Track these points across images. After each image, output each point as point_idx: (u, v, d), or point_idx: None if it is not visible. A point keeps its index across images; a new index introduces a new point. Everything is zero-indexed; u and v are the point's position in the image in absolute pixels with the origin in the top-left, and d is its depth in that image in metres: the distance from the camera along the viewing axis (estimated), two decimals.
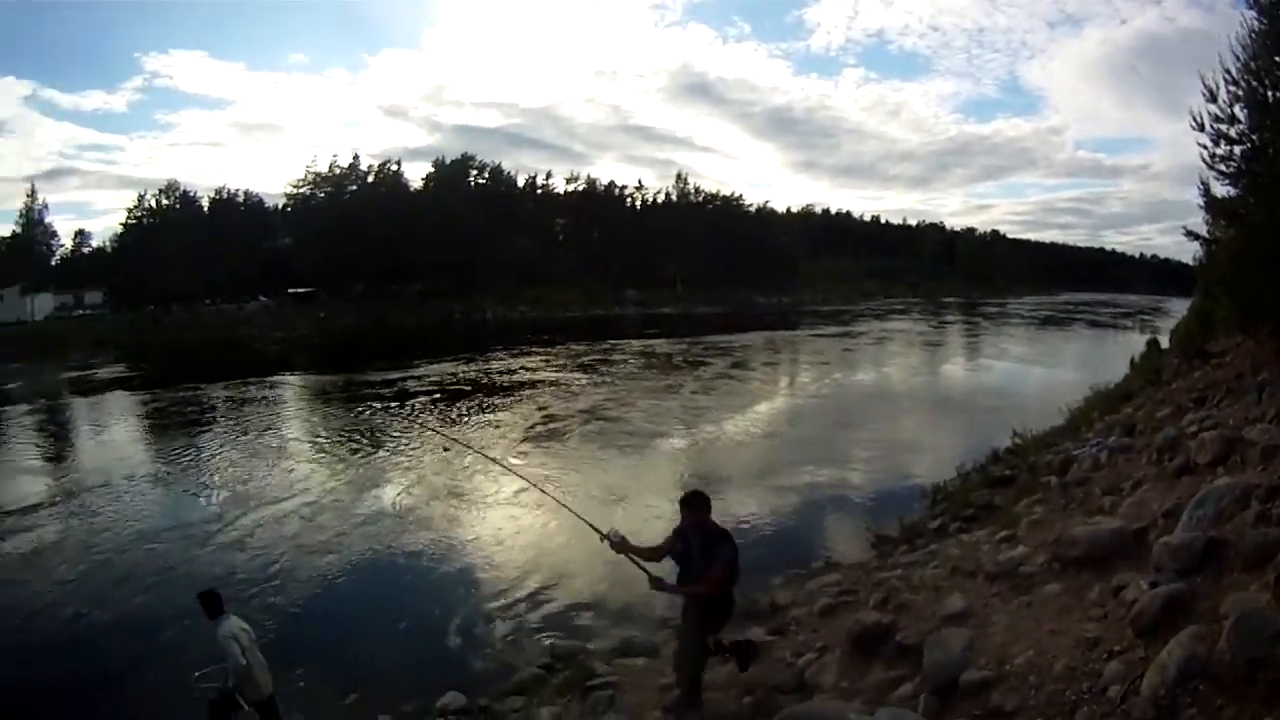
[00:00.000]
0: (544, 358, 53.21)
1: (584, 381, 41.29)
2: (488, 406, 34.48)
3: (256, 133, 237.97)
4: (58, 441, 36.65)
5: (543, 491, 11.63)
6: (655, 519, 17.04)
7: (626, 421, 29.98)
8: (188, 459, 27.76)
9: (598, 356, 52.94)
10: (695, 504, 8.19)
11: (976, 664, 6.60)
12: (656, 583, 8.23)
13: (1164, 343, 24.92)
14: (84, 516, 21.69)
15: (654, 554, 8.48)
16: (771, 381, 41.21)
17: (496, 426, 30.02)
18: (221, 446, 29.47)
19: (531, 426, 29.48)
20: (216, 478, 24.79)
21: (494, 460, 15.91)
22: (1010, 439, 19.01)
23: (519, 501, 19.93)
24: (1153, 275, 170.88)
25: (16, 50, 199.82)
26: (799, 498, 19.36)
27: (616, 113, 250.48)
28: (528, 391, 38.03)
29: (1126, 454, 12.33)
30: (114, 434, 35.71)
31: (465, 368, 48.32)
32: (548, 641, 12.46)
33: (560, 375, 43.89)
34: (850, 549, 14.87)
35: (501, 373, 45.71)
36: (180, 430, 34.12)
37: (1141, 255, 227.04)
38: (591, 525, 8.91)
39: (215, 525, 19.93)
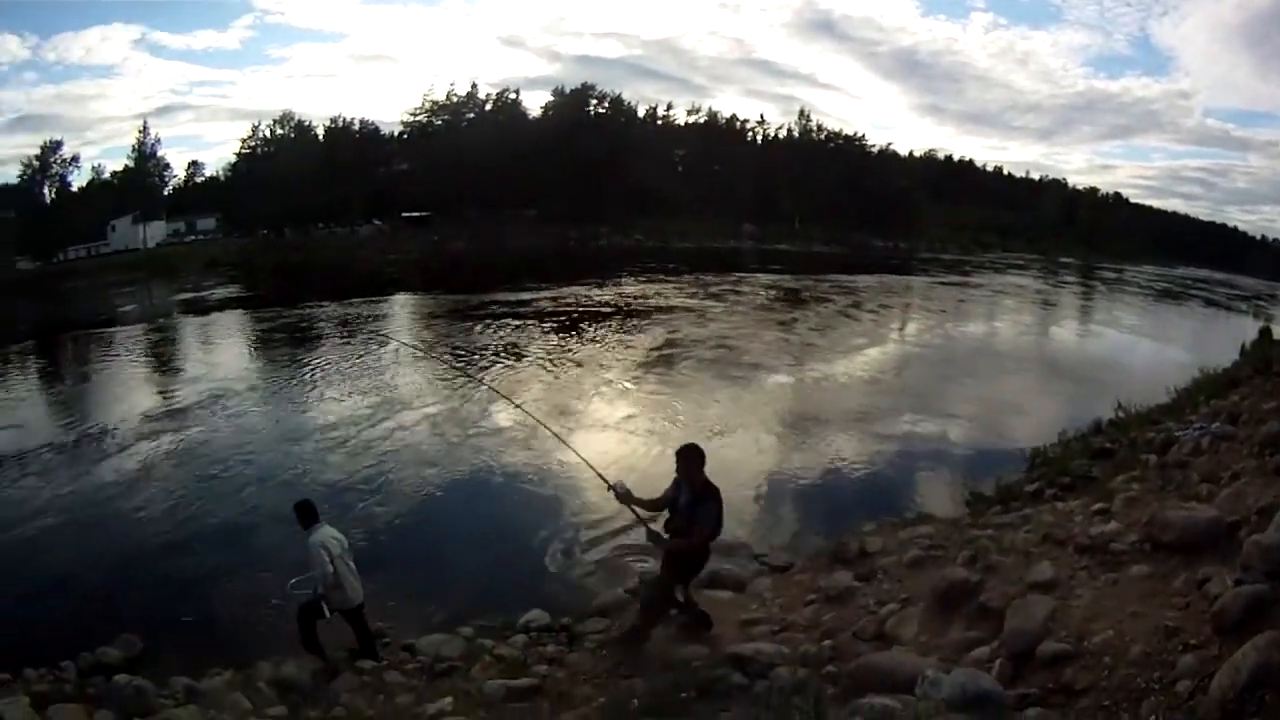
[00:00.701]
0: (660, 286, 53.18)
1: (698, 311, 41.34)
2: (602, 329, 34.92)
3: (371, 64, 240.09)
4: (170, 357, 38.31)
5: (550, 429, 12.20)
6: (756, 454, 17.88)
7: (737, 353, 30.08)
8: (301, 374, 28.71)
9: (712, 287, 52.64)
10: (686, 456, 8.41)
11: (1056, 636, 6.50)
12: (651, 535, 8.62)
13: (1277, 332, 23.67)
14: (198, 428, 22.61)
15: (655, 505, 8.75)
16: (883, 326, 40.52)
17: (610, 349, 30.56)
18: (334, 362, 30.30)
19: (648, 351, 30.02)
20: (327, 392, 25.63)
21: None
22: (1113, 411, 18.41)
23: (627, 427, 20.50)
24: (1275, 260, 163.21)
25: None
26: (897, 445, 19.28)
27: (739, 46, 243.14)
28: (642, 318, 38.37)
29: (1228, 442, 11.82)
30: (227, 349, 36.97)
31: (580, 291, 48.46)
32: (637, 567, 12.53)
33: (675, 303, 44.05)
34: (943, 503, 14.70)
35: (616, 298, 46.01)
36: (294, 346, 35.33)
37: (1264, 238, 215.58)
38: (600, 475, 9.17)
39: (323, 437, 20.72)
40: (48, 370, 40.68)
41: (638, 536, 13.44)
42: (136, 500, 17.50)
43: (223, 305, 58.32)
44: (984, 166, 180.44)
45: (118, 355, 41.16)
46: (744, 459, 17.83)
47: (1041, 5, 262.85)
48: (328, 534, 9.77)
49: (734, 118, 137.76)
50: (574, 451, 10.58)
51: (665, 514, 8.84)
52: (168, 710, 9.39)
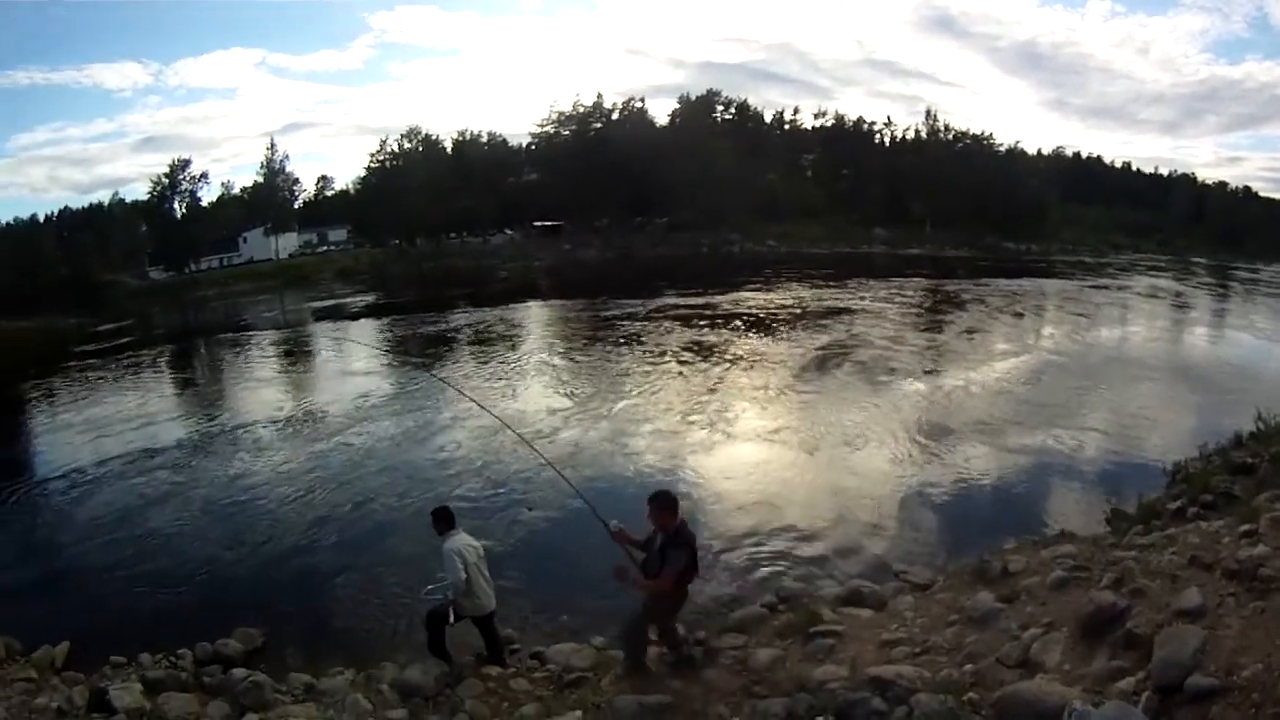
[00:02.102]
0: (795, 292, 53.24)
1: (835, 317, 41.36)
2: (741, 335, 35.34)
3: (493, 77, 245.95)
4: (308, 362, 40.71)
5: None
6: (896, 464, 18.08)
7: (877, 359, 30.32)
8: (440, 381, 29.03)
9: (848, 293, 52.51)
10: (658, 504, 8.50)
11: (1205, 669, 6.34)
12: (620, 572, 8.64)
13: None
14: (338, 431, 23.84)
15: (645, 544, 8.78)
16: (1021, 331, 39.89)
17: (749, 355, 30.93)
18: (474, 370, 31.34)
19: (789, 356, 30.49)
20: (468, 398, 25.74)
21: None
22: (1254, 423, 17.54)
23: (772, 438, 20.53)
24: None
25: (241, 24, 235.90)
26: (1035, 458, 19.04)
27: (860, 46, 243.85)
28: (780, 324, 38.70)
29: None
30: (364, 355, 38.02)
31: (717, 299, 48.58)
32: (776, 579, 12.62)
33: (812, 309, 44.23)
34: (1083, 520, 14.42)
35: (752, 305, 46.05)
36: (432, 352, 36.86)
37: None
38: (595, 513, 9.14)
39: (463, 444, 21.42)
40: (186, 372, 43.70)
41: (775, 548, 14.01)
42: (273, 498, 18.48)
43: (357, 312, 60.97)
44: (1111, 163, 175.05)
45: (256, 358, 43.54)
46: (884, 469, 18.01)
47: None
48: (464, 541, 9.89)
49: (860, 120, 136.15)
50: (579, 495, 10.52)
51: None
52: (284, 706, 9.73)
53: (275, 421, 26.61)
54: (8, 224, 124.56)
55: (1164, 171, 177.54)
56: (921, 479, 17.43)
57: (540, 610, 12.19)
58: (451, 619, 9.84)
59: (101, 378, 41.98)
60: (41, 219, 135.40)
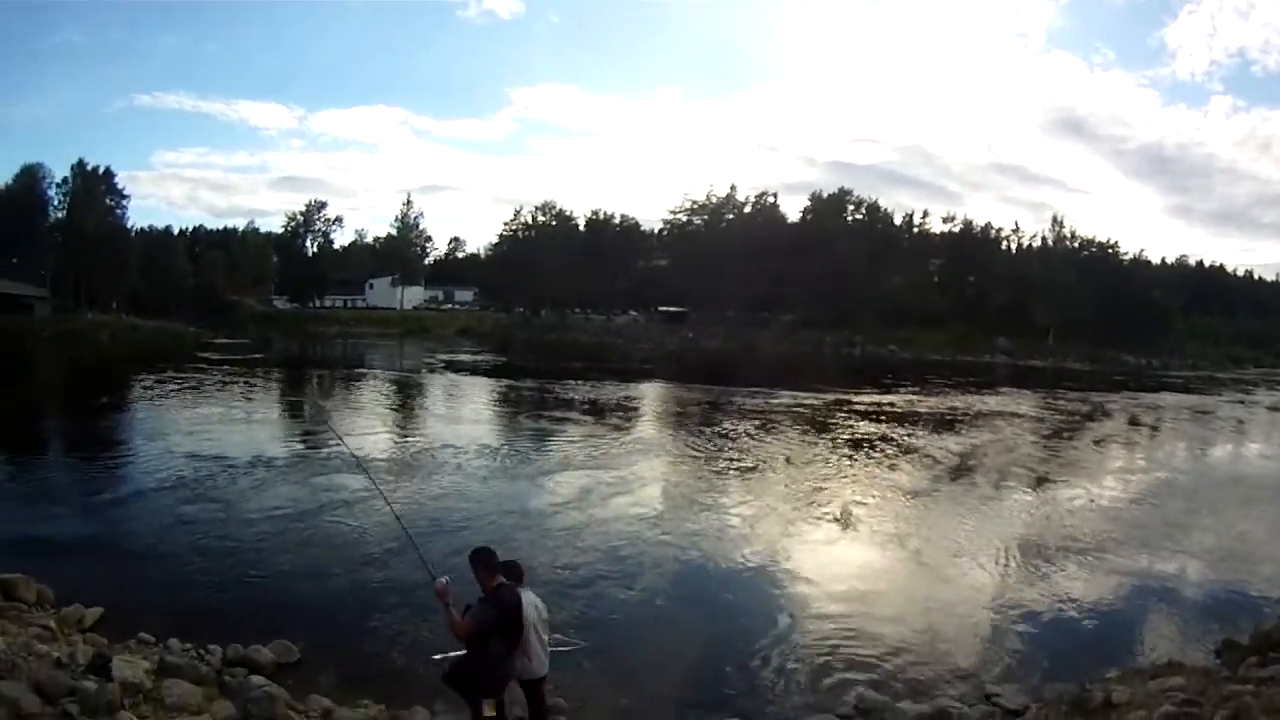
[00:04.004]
0: (916, 399, 53.08)
1: (954, 427, 41.18)
2: (862, 438, 35.02)
3: (629, 160, 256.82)
4: (415, 406, 42.83)
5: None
6: (996, 579, 17.37)
7: (986, 471, 29.95)
8: (542, 442, 30.24)
9: (967, 403, 52.37)
10: (477, 562, 8.50)
11: None
12: (441, 592, 8.22)
13: None
14: (429, 475, 24.65)
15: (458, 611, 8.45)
16: (1136, 449, 38.89)
17: (862, 459, 30.57)
18: (578, 437, 31.93)
19: (902, 463, 29.95)
20: (564, 464, 26.96)
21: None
22: None
23: (874, 539, 20.24)
24: None
25: (388, 84, 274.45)
26: (1142, 581, 17.90)
27: (989, 150, 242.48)
28: (902, 431, 37.97)
29: None
30: (471, 408, 40.61)
31: (838, 399, 48.68)
32: (855, 688, 11.91)
33: (932, 417, 43.97)
34: (1191, 650, 13.50)
35: (876, 409, 45.69)
36: (539, 415, 37.87)
37: None
38: (424, 562, 9.17)
39: (545, 505, 21.81)
40: (296, 392, 47.37)
41: (860, 653, 13.16)
42: (347, 525, 18.96)
43: (474, 369, 63.45)
44: (1234, 271, 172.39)
45: (368, 393, 46.47)
46: (985, 582, 17.34)
47: (1275, 80, 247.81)
48: (528, 599, 9.27)
49: (987, 226, 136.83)
50: (411, 541, 10.56)
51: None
52: None
53: (376, 452, 27.67)
54: (142, 229, 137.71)
55: None
56: (1023, 595, 16.57)
57: (602, 687, 11.59)
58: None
59: (221, 382, 46.95)
60: (175, 231, 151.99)
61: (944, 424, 41.51)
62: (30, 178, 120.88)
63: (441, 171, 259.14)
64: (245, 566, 16.40)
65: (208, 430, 31.79)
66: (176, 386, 46.67)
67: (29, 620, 12.28)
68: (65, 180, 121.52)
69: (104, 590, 13.94)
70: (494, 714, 8.49)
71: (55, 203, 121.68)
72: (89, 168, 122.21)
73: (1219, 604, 16.48)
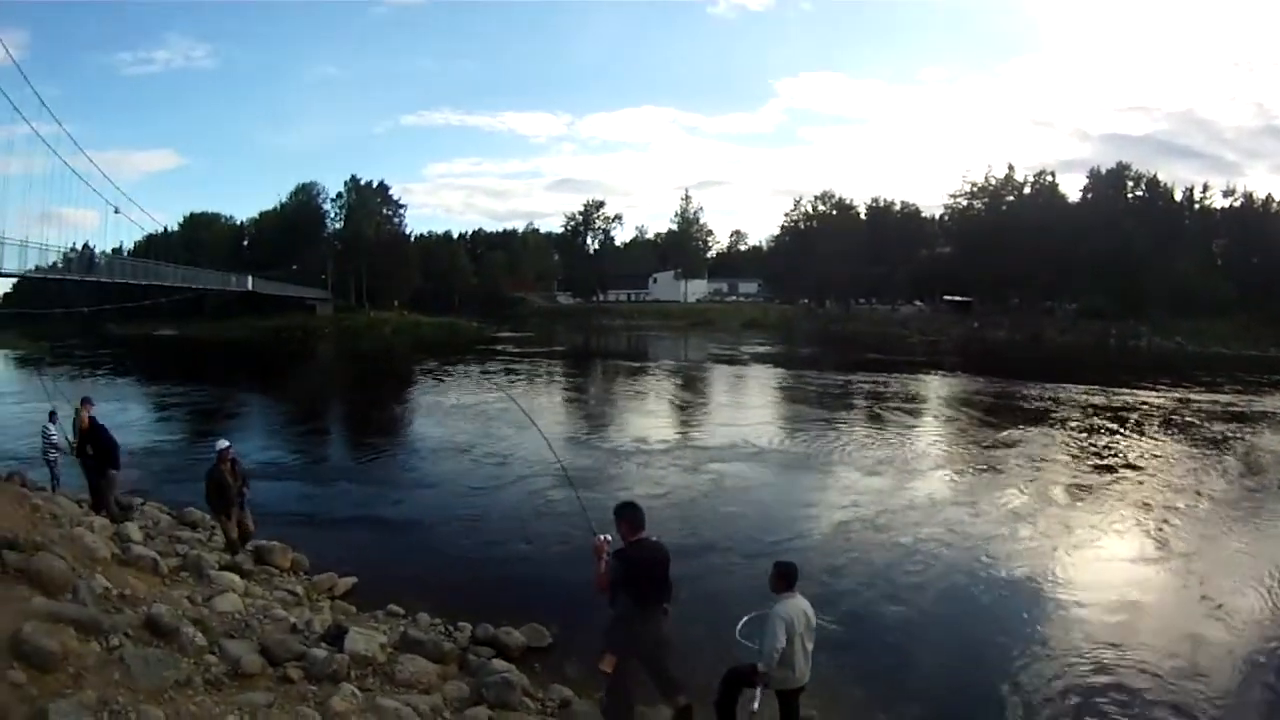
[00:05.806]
0: (1217, 401, 44.60)
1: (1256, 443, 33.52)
2: (1157, 445, 31.11)
3: (901, 145, 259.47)
4: (703, 398, 44.69)
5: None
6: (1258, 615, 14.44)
7: None
8: (833, 439, 29.69)
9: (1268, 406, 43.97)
10: (618, 515, 8.64)
11: None
12: (597, 549, 8.57)
13: None
14: (715, 466, 24.88)
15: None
16: None
17: (1169, 470, 26.45)
18: (872, 436, 31.12)
19: (1204, 483, 24.55)
20: (855, 463, 26.04)
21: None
22: None
23: (1162, 560, 17.39)
24: None
25: (650, 86, 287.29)
26: None
27: (1261, 112, 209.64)
28: (1204, 441, 32.09)
29: None
30: (759, 401, 41.76)
31: (1129, 398, 44.32)
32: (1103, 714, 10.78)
33: (1235, 426, 36.01)
34: None
35: (1175, 411, 40.30)
36: (832, 411, 38.08)
37: None
38: (590, 521, 9.25)
39: (833, 506, 20.89)
40: (578, 382, 50.87)
41: (1114, 680, 11.66)
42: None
43: (763, 360, 65.62)
44: None
45: (653, 386, 48.62)
46: (1250, 617, 14.24)
47: None
48: (797, 607, 8.70)
49: (1269, 199, 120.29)
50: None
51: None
52: (526, 715, 9.41)
53: (664, 444, 28.40)
54: (421, 235, 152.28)
55: None
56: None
57: (854, 697, 11.02)
58: (758, 693, 8.66)
59: (513, 370, 51.41)
60: (455, 235, 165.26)
61: (1243, 440, 33.75)
62: (306, 194, 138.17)
63: (715, 166, 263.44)
64: (508, 548, 17.05)
65: (479, 417, 34.26)
66: (454, 376, 51.15)
67: (277, 585, 13.23)
68: (340, 195, 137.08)
69: (363, 561, 15.20)
70: (609, 672, 8.60)
71: (331, 215, 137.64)
72: (363, 182, 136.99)
73: None
